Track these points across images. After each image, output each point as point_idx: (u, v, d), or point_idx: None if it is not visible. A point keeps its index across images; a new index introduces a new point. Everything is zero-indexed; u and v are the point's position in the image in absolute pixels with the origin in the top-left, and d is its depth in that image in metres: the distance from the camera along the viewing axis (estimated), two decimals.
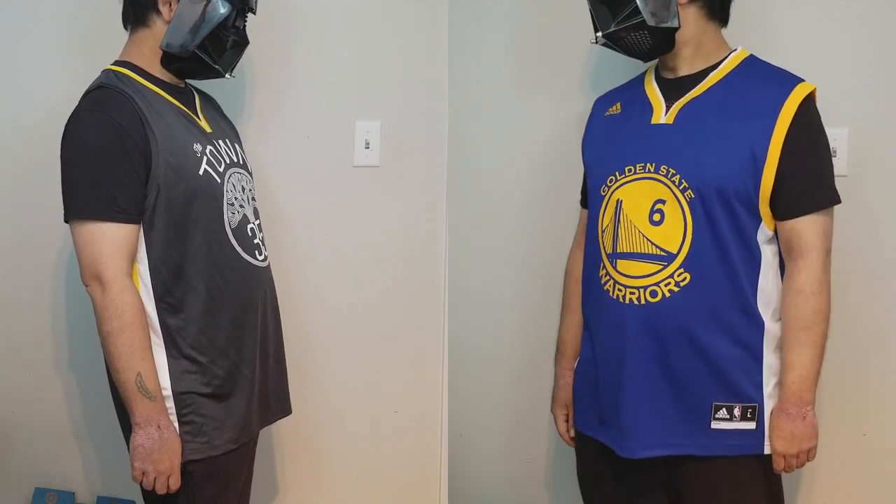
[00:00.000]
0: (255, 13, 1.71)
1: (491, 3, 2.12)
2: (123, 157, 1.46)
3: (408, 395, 2.09)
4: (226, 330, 1.57)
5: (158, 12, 1.58)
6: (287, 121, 2.04)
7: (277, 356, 1.73)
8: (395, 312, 2.07)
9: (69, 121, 1.50)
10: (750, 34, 1.74)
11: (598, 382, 1.64)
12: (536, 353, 2.08)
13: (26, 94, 2.08)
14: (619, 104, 1.71)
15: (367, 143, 2.04)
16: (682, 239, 1.51)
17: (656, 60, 1.67)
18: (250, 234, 1.65)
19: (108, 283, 1.43)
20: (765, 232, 1.51)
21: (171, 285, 1.52)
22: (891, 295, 1.84)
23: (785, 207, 1.49)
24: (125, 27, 1.64)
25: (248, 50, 1.74)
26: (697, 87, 1.58)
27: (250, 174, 1.76)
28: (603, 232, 1.62)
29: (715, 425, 1.51)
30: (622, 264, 1.57)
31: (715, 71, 1.58)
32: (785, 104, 1.47)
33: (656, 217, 1.53)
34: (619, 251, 1.57)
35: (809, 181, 1.49)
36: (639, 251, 1.54)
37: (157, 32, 1.59)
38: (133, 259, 1.49)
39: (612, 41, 1.62)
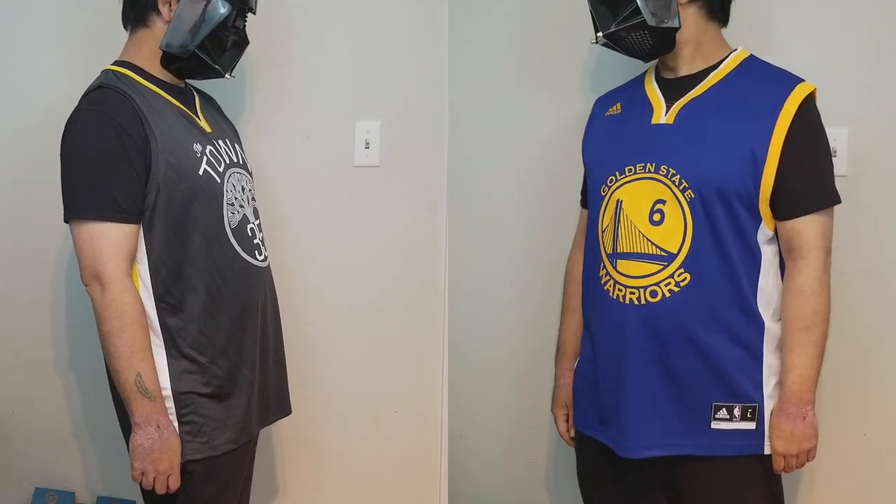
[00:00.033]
0: (255, 13, 1.71)
1: (491, 3, 2.12)
2: (123, 157, 1.46)
3: (408, 395, 2.09)
4: (225, 330, 1.57)
5: (158, 12, 1.58)
6: (287, 121, 2.04)
7: (277, 356, 1.73)
8: (395, 312, 2.07)
9: (69, 121, 1.50)
10: (750, 34, 1.74)
11: (599, 382, 1.64)
12: (536, 353, 2.08)
13: (26, 94, 2.08)
14: (619, 104, 1.71)
15: (367, 143, 2.04)
16: (682, 239, 1.51)
17: (656, 60, 1.67)
18: (250, 234, 1.65)
19: (108, 283, 1.43)
20: (765, 232, 1.51)
21: (170, 285, 1.52)
22: (891, 295, 1.84)
23: (785, 207, 1.49)
24: (125, 27, 1.64)
25: (248, 50, 1.74)
26: (698, 87, 1.58)
27: (250, 174, 1.76)
28: (603, 232, 1.62)
29: (715, 425, 1.51)
30: (622, 264, 1.57)
31: (715, 71, 1.58)
32: (785, 104, 1.47)
33: (656, 217, 1.53)
34: (619, 251, 1.57)
35: (809, 181, 1.49)
36: (639, 251, 1.54)
37: (157, 32, 1.59)
38: (133, 259, 1.49)
39: (613, 41, 1.62)
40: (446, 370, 2.08)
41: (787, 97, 1.48)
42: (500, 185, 2.14)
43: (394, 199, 2.05)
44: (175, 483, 1.49)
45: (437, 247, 2.06)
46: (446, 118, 2.04)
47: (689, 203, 1.50)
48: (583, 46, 1.92)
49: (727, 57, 1.59)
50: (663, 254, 1.52)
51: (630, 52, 1.63)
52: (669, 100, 1.60)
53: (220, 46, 1.64)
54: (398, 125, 2.04)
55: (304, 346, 2.03)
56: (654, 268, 1.53)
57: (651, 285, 1.52)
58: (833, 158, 1.57)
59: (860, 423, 1.87)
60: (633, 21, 1.54)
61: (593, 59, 2.03)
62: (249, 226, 1.66)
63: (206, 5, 1.58)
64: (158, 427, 1.46)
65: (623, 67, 1.86)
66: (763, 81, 1.54)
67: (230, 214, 1.61)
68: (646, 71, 1.73)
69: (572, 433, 1.80)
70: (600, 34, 1.61)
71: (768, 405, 1.51)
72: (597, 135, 1.75)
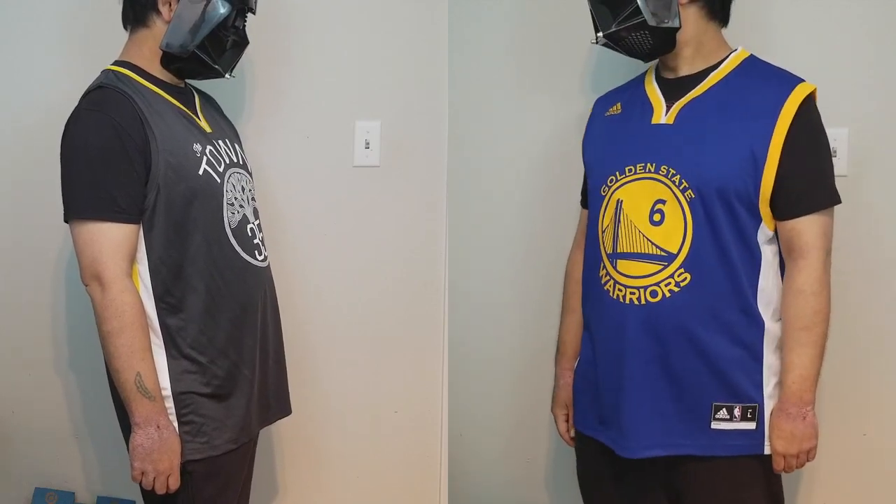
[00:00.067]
0: (254, 13, 1.71)
1: (491, 3, 2.12)
2: (123, 157, 1.46)
3: (408, 395, 2.09)
4: (225, 330, 1.57)
5: (158, 12, 1.58)
6: (287, 121, 2.04)
7: (277, 356, 1.73)
8: (395, 312, 2.07)
9: (69, 121, 1.50)
10: (750, 34, 1.74)
11: (599, 382, 1.64)
12: (536, 354, 2.08)
13: (26, 94, 2.08)
14: (619, 104, 1.71)
15: (367, 143, 2.04)
16: (682, 239, 1.51)
17: (656, 60, 1.67)
18: (250, 234, 1.65)
19: (108, 283, 1.43)
20: (765, 232, 1.51)
21: (170, 285, 1.52)
22: (891, 295, 1.84)
23: (785, 207, 1.49)
24: (125, 27, 1.63)
25: (248, 50, 1.74)
26: (698, 87, 1.58)
27: (250, 174, 1.76)
28: (603, 232, 1.62)
29: (715, 425, 1.51)
30: (622, 264, 1.57)
31: (715, 71, 1.58)
32: (785, 104, 1.47)
33: (656, 217, 1.53)
34: (619, 251, 1.57)
35: (810, 181, 1.49)
36: (639, 251, 1.54)
37: (157, 32, 1.59)
38: (133, 259, 1.49)
39: (613, 41, 1.62)
40: (446, 370, 2.08)
41: (787, 97, 1.48)
42: (500, 185, 2.14)
43: (394, 199, 2.05)
44: (175, 483, 1.49)
45: (437, 247, 2.06)
46: (446, 118, 2.04)
47: (690, 203, 1.50)
48: (583, 46, 1.92)
49: (727, 57, 1.59)
50: (663, 254, 1.52)
51: (630, 52, 1.63)
52: (670, 100, 1.60)
53: (220, 46, 1.64)
54: (398, 125, 2.04)
55: (304, 346, 2.03)
56: (654, 268, 1.53)
57: (651, 285, 1.52)
58: (833, 158, 1.57)
59: (860, 423, 1.87)
60: (634, 21, 1.54)
61: (593, 59, 2.03)
62: (249, 226, 1.66)
63: (206, 5, 1.58)
64: (158, 427, 1.46)
65: (623, 67, 1.86)
66: (763, 81, 1.54)
67: (230, 214, 1.61)
68: (646, 71, 1.73)
69: (572, 433, 1.80)
70: (600, 34, 1.61)
71: (768, 405, 1.52)
72: (597, 135, 1.75)
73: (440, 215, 2.05)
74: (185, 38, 1.58)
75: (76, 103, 1.52)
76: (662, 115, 1.59)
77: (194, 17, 1.58)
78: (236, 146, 1.74)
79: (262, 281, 1.67)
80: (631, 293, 1.54)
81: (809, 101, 1.50)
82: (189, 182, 1.53)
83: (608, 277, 1.59)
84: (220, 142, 1.67)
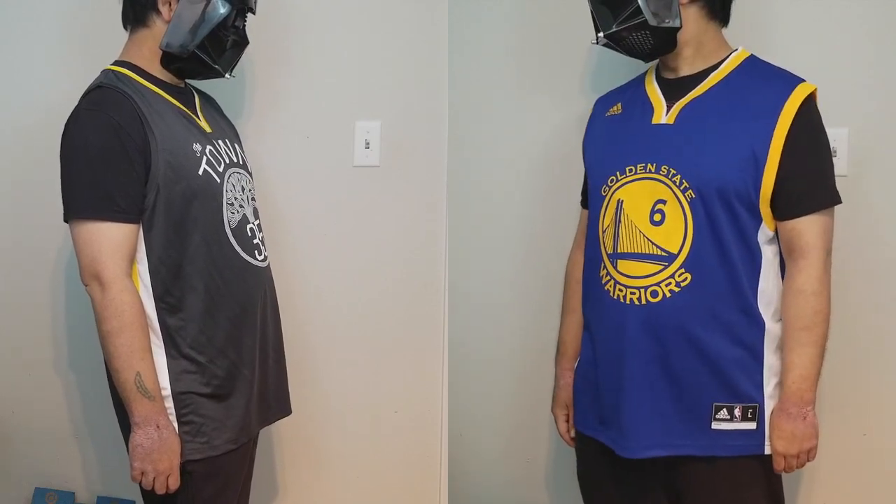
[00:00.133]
0: (254, 13, 1.71)
1: (491, 3, 2.12)
2: (123, 156, 1.46)
3: (408, 395, 2.08)
4: (225, 329, 1.57)
5: (158, 12, 1.58)
6: (287, 121, 2.04)
7: (277, 356, 1.73)
8: (395, 312, 2.07)
9: (69, 120, 1.50)
10: (750, 34, 1.74)
11: (599, 383, 1.64)
12: (536, 354, 2.08)
13: (26, 94, 2.08)
14: (619, 104, 1.71)
15: (367, 144, 2.04)
16: (682, 239, 1.51)
17: (657, 61, 1.67)
18: (250, 234, 1.65)
19: (108, 282, 1.43)
20: (765, 232, 1.51)
21: (170, 285, 1.52)
22: (891, 295, 1.84)
23: (786, 207, 1.49)
24: (125, 27, 1.64)
25: (248, 50, 1.74)
26: (698, 87, 1.58)
27: (250, 174, 1.76)
28: (604, 232, 1.62)
29: (715, 426, 1.51)
30: (623, 264, 1.57)
31: (716, 71, 1.58)
32: (786, 104, 1.47)
33: (657, 217, 1.53)
34: (619, 251, 1.57)
35: (810, 181, 1.49)
36: (639, 251, 1.54)
37: (157, 32, 1.59)
38: (132, 259, 1.49)
39: (614, 41, 1.61)
40: (446, 370, 2.08)
41: (787, 97, 1.48)
42: (500, 186, 2.14)
43: (394, 199, 2.05)
44: (175, 483, 1.49)
45: (437, 247, 2.06)
46: (446, 118, 2.04)
47: (690, 203, 1.50)
48: (583, 47, 1.92)
49: (728, 57, 1.59)
50: (664, 254, 1.52)
51: (631, 52, 1.63)
52: (670, 100, 1.60)
53: (219, 46, 1.64)
54: (398, 125, 2.04)
55: (304, 346, 2.03)
56: (654, 268, 1.53)
57: (652, 285, 1.52)
58: (833, 158, 1.57)
59: (860, 423, 1.87)
60: (635, 21, 1.54)
61: (593, 59, 2.03)
62: (249, 226, 1.66)
63: (206, 5, 1.58)
64: (158, 427, 1.46)
65: (623, 68, 1.86)
66: (764, 81, 1.54)
67: (230, 214, 1.61)
68: (646, 71, 1.73)
69: (572, 433, 1.80)
70: (601, 34, 1.61)
71: (769, 405, 1.51)
72: (597, 135, 1.75)
73: (440, 215, 2.05)
74: (185, 38, 1.58)
75: (76, 103, 1.52)
76: (663, 115, 1.59)
77: (194, 17, 1.58)
78: (236, 146, 1.74)
79: (261, 281, 1.67)
80: (631, 293, 1.54)
81: (810, 101, 1.50)
82: (189, 182, 1.53)
83: (609, 277, 1.59)
84: (219, 142, 1.67)
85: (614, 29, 1.58)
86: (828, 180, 1.51)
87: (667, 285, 1.51)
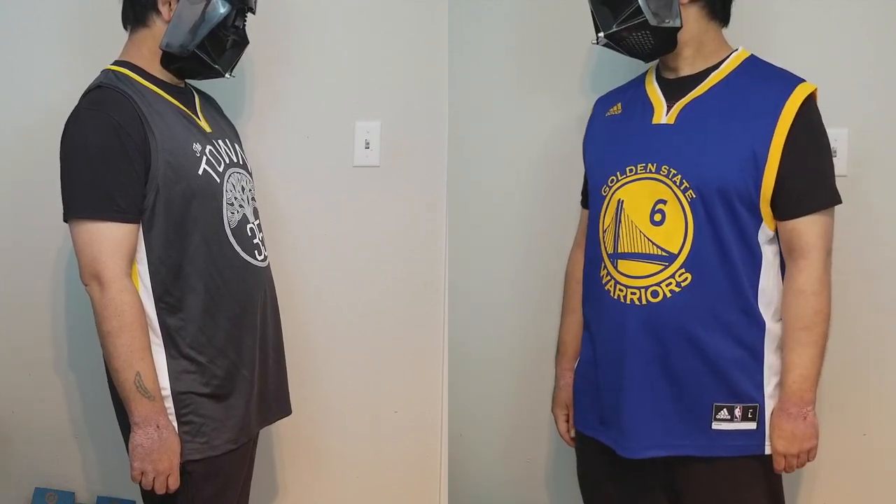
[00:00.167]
0: (254, 13, 1.72)
1: (491, 3, 2.12)
2: (123, 156, 1.46)
3: (408, 395, 2.08)
4: (225, 329, 1.57)
5: (158, 12, 1.58)
6: (287, 121, 2.04)
7: (277, 356, 1.73)
8: (395, 312, 2.07)
9: (69, 120, 1.50)
10: (750, 34, 1.74)
11: (599, 383, 1.64)
12: (536, 354, 2.08)
13: (26, 94, 2.08)
14: (619, 104, 1.71)
15: (367, 143, 2.03)
16: (683, 239, 1.51)
17: (657, 61, 1.67)
18: (250, 234, 1.65)
19: (108, 282, 1.43)
20: (766, 232, 1.51)
21: (170, 285, 1.52)
22: (891, 295, 1.84)
23: (786, 207, 1.49)
24: (125, 27, 1.64)
25: (248, 50, 1.75)
26: (699, 87, 1.58)
27: (250, 174, 1.76)
28: (604, 232, 1.62)
29: (716, 426, 1.51)
30: (623, 264, 1.57)
31: (716, 71, 1.58)
32: (786, 104, 1.47)
33: (657, 217, 1.53)
34: (620, 251, 1.57)
35: (810, 181, 1.49)
36: (640, 251, 1.54)
37: (157, 32, 1.59)
38: (132, 259, 1.49)
39: (614, 41, 1.61)
40: (446, 370, 2.08)
41: (788, 97, 1.48)
42: (500, 185, 2.14)
43: (394, 199, 2.05)
44: (174, 483, 1.49)
45: (437, 247, 2.06)
46: (446, 118, 2.04)
47: (690, 203, 1.50)
48: (583, 47, 1.92)
49: (728, 57, 1.59)
50: (664, 254, 1.52)
51: (631, 52, 1.63)
52: (670, 100, 1.60)
53: (219, 46, 1.64)
54: (398, 125, 2.04)
55: (304, 346, 2.03)
56: (655, 268, 1.52)
57: (652, 285, 1.52)
58: (833, 158, 1.57)
59: (860, 423, 1.87)
60: (635, 21, 1.54)
61: (593, 59, 2.03)
62: (249, 226, 1.66)
63: (206, 5, 1.58)
64: (158, 427, 1.46)
65: (623, 68, 1.86)
66: (764, 81, 1.54)
67: (230, 214, 1.61)
68: (646, 71, 1.73)
69: (572, 433, 1.80)
70: (601, 34, 1.61)
71: (769, 405, 1.51)
72: (597, 135, 1.75)
73: (440, 215, 2.05)
74: (185, 38, 1.58)
75: (76, 103, 1.52)
76: (663, 115, 1.59)
77: (194, 17, 1.58)
78: (236, 146, 1.74)
79: (261, 281, 1.67)
80: (632, 293, 1.54)
81: (810, 101, 1.50)
82: (188, 182, 1.53)
83: (609, 278, 1.59)
84: (219, 142, 1.67)
85: (615, 29, 1.58)
86: (828, 180, 1.51)
87: (667, 285, 1.51)
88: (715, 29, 1.59)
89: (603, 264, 1.62)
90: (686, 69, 1.60)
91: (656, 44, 1.57)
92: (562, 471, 2.14)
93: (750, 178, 1.47)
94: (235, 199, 1.63)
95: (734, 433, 1.51)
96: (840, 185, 1.52)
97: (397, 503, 2.10)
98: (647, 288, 1.53)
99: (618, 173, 1.61)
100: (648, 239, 1.54)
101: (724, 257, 1.49)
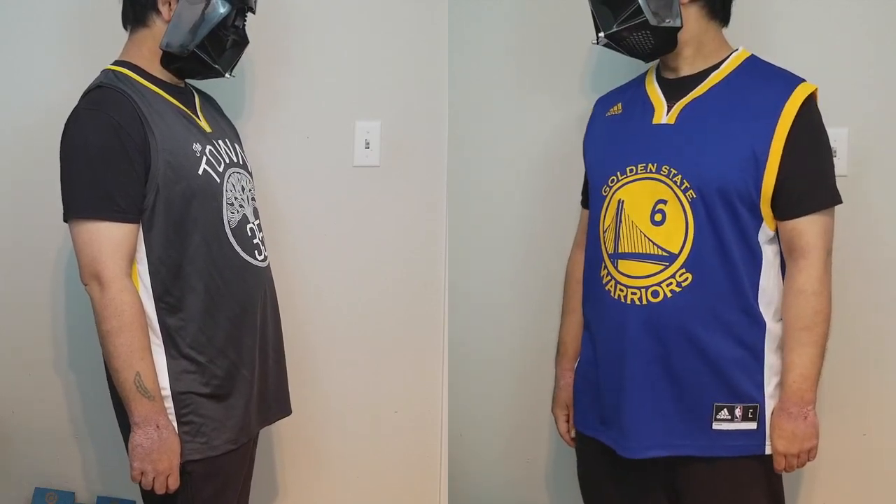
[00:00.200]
0: (254, 13, 1.71)
1: (491, 3, 2.12)
2: (123, 156, 1.46)
3: (408, 395, 2.08)
4: (225, 329, 1.57)
5: (158, 12, 1.58)
6: (287, 121, 2.04)
7: (277, 356, 1.73)
8: (395, 312, 2.07)
9: (69, 120, 1.50)
10: (750, 34, 1.74)
11: (599, 383, 1.64)
12: (537, 354, 2.08)
13: (26, 94, 2.08)
14: (620, 104, 1.71)
15: (367, 143, 2.03)
16: (683, 239, 1.51)
17: (657, 60, 1.67)
18: (250, 234, 1.65)
19: (107, 282, 1.43)
20: (766, 232, 1.51)
21: (170, 285, 1.52)
22: (890, 295, 1.84)
23: (786, 207, 1.49)
24: (125, 27, 1.64)
25: (248, 50, 1.74)
26: (699, 87, 1.58)
27: (250, 174, 1.76)
28: (604, 232, 1.62)
29: (716, 426, 1.51)
30: (624, 264, 1.57)
31: (716, 71, 1.58)
32: (786, 104, 1.47)
33: (658, 217, 1.53)
34: (620, 251, 1.57)
35: (811, 181, 1.49)
36: (640, 251, 1.54)
37: (157, 32, 1.59)
38: (132, 258, 1.49)
39: (615, 41, 1.61)
40: (446, 370, 2.08)
41: (788, 97, 1.48)
42: (500, 185, 2.14)
43: (394, 199, 2.05)
44: (174, 483, 1.48)
45: (437, 247, 2.06)
46: (446, 118, 2.04)
47: (691, 203, 1.50)
48: (583, 46, 1.92)
49: (728, 57, 1.59)
50: (665, 254, 1.52)
51: (632, 52, 1.63)
52: (671, 100, 1.60)
53: (219, 46, 1.64)
54: (398, 125, 2.04)
55: (304, 346, 2.03)
56: (655, 268, 1.52)
57: (653, 285, 1.52)
58: (833, 158, 1.57)
59: (860, 422, 1.87)
60: (635, 21, 1.54)
61: (593, 59, 2.03)
62: (249, 226, 1.66)
63: (206, 5, 1.58)
64: (157, 427, 1.45)
65: (623, 68, 1.86)
66: (764, 81, 1.54)
67: (230, 214, 1.61)
68: (646, 71, 1.73)
69: (573, 434, 1.80)
70: (602, 34, 1.61)
71: (769, 405, 1.51)
72: (598, 135, 1.75)
73: (440, 215, 2.05)
74: (185, 38, 1.58)
75: (76, 103, 1.51)
76: (663, 115, 1.59)
77: (194, 17, 1.58)
78: (236, 146, 1.74)
79: (261, 281, 1.67)
80: (632, 293, 1.54)
81: (810, 101, 1.50)
82: (188, 182, 1.53)
83: (609, 278, 1.59)
84: (219, 142, 1.67)
85: (615, 29, 1.58)
86: (828, 180, 1.51)
87: (668, 285, 1.51)
88: (715, 29, 1.59)
89: (603, 264, 1.62)
90: (686, 69, 1.60)
91: (656, 44, 1.57)
92: (562, 471, 2.14)
93: (750, 178, 1.47)
94: (235, 199, 1.63)
95: (735, 433, 1.51)
96: (840, 184, 1.52)
97: (397, 503, 2.10)
98: (647, 288, 1.53)
99: (618, 173, 1.61)
100: (649, 239, 1.54)
101: (725, 257, 1.49)
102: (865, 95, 1.82)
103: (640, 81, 1.72)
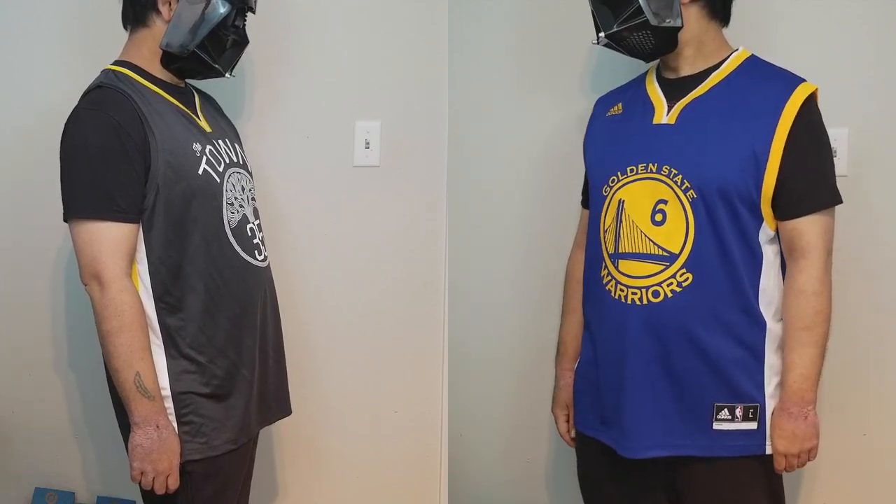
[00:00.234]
0: (254, 12, 1.71)
1: (491, 3, 2.12)
2: (123, 156, 1.45)
3: (408, 395, 2.08)
4: (225, 329, 1.57)
5: (158, 12, 1.58)
6: (287, 121, 2.04)
7: (277, 356, 1.73)
8: (395, 312, 2.07)
9: (69, 120, 1.50)
10: (750, 34, 1.74)
11: (600, 383, 1.64)
12: (537, 353, 2.08)
13: (26, 94, 2.08)
14: (620, 104, 1.71)
15: (367, 143, 2.04)
16: (684, 239, 1.51)
17: (657, 60, 1.67)
18: (250, 234, 1.65)
19: (107, 282, 1.43)
20: (766, 232, 1.51)
21: (170, 285, 1.52)
22: (891, 295, 1.84)
23: (787, 207, 1.49)
24: (125, 27, 1.63)
25: (248, 50, 1.74)
26: (699, 87, 1.58)
27: (250, 174, 1.75)
28: (605, 232, 1.62)
29: (717, 426, 1.51)
30: (624, 264, 1.57)
31: (717, 71, 1.58)
32: (787, 104, 1.47)
33: (658, 217, 1.53)
34: (621, 251, 1.57)
35: (811, 181, 1.49)
36: (641, 251, 1.54)
37: (157, 32, 1.59)
38: (132, 258, 1.49)
39: (615, 41, 1.61)
40: (446, 370, 2.08)
41: (788, 97, 1.48)
42: (500, 185, 2.14)
43: (394, 199, 2.05)
44: (174, 483, 1.48)
45: (437, 247, 2.06)
46: (446, 118, 2.04)
47: (691, 203, 1.50)
48: (583, 46, 1.92)
49: (728, 57, 1.59)
50: (665, 254, 1.52)
51: (632, 52, 1.63)
52: (671, 100, 1.60)
53: (219, 46, 1.64)
54: (398, 125, 2.04)
55: (304, 346, 2.03)
56: (656, 268, 1.52)
57: (653, 285, 1.52)
58: (833, 158, 1.57)
59: (860, 422, 1.87)
60: (636, 21, 1.54)
61: (593, 59, 2.03)
62: (249, 226, 1.65)
63: (206, 5, 1.58)
64: (157, 427, 1.45)
65: (623, 68, 1.86)
66: (765, 81, 1.54)
67: (230, 214, 1.61)
68: (646, 71, 1.73)
69: (573, 434, 1.80)
70: (602, 34, 1.61)
71: (769, 405, 1.51)
72: (598, 135, 1.75)
73: (440, 215, 2.05)
74: (185, 38, 1.58)
75: (76, 103, 1.51)
76: (664, 115, 1.59)
77: (194, 17, 1.58)
78: (236, 146, 1.74)
79: (261, 281, 1.67)
80: (633, 293, 1.54)
81: (811, 101, 1.50)
82: (188, 181, 1.53)
83: (610, 278, 1.59)
84: (219, 141, 1.67)
85: (615, 29, 1.58)
86: (828, 180, 1.51)
87: (668, 285, 1.51)
88: (715, 29, 1.59)
89: (604, 264, 1.62)
90: (686, 69, 1.60)
91: (657, 44, 1.57)
92: (562, 471, 2.14)
93: (751, 178, 1.47)
94: (235, 198, 1.63)
95: (735, 433, 1.51)
96: (840, 185, 1.52)
97: (397, 503, 2.10)
98: (648, 288, 1.53)
99: (619, 173, 1.61)
100: (649, 239, 1.54)
101: (725, 257, 1.49)
102: (865, 95, 1.82)
103: (640, 81, 1.72)
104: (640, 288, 1.53)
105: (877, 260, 1.84)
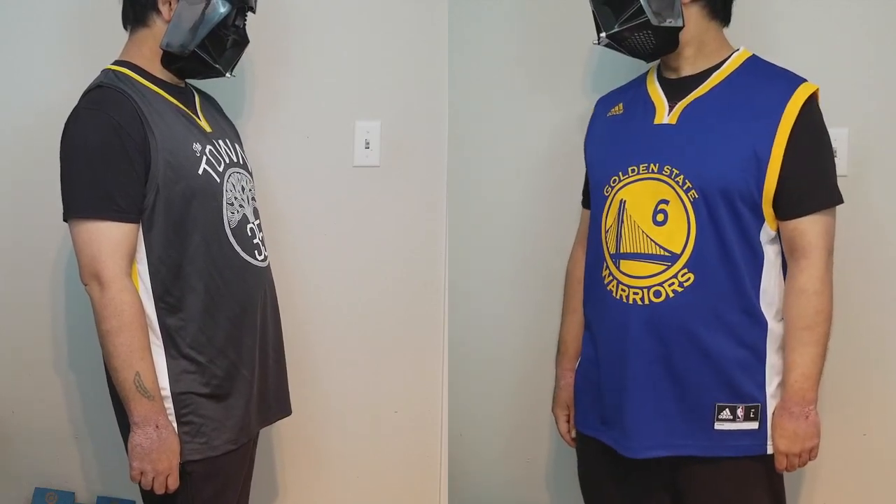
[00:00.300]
0: (254, 12, 1.71)
1: (491, 3, 2.12)
2: (123, 156, 1.45)
3: (408, 395, 2.08)
4: (225, 329, 1.57)
5: (158, 12, 1.58)
6: (287, 121, 2.04)
7: (277, 356, 1.73)
8: (395, 312, 2.07)
9: (69, 120, 1.50)
10: (750, 34, 1.74)
11: (601, 383, 1.64)
12: (537, 353, 2.08)
13: (26, 94, 2.08)
14: (621, 104, 1.71)
15: (367, 143, 2.03)
16: (685, 239, 1.51)
17: (658, 60, 1.67)
18: (250, 234, 1.65)
19: (107, 282, 1.43)
20: (767, 232, 1.51)
21: (170, 285, 1.52)
22: (892, 295, 1.84)
23: (788, 207, 1.49)
24: (125, 27, 1.63)
25: (248, 50, 1.74)
26: (700, 87, 1.58)
27: (250, 174, 1.75)
28: (606, 232, 1.62)
29: (718, 426, 1.51)
30: (625, 264, 1.57)
31: (717, 71, 1.58)
32: (788, 104, 1.47)
33: (660, 217, 1.53)
34: (622, 251, 1.57)
35: (812, 181, 1.49)
36: (642, 251, 1.54)
37: (157, 32, 1.59)
38: (132, 258, 1.49)
39: (616, 41, 1.61)
40: (446, 370, 2.08)
41: (790, 97, 1.48)
42: (500, 185, 2.14)
43: (394, 199, 2.05)
44: (174, 483, 1.48)
45: (437, 247, 2.06)
46: (446, 118, 2.04)
47: (693, 203, 1.50)
48: (583, 46, 1.92)
49: (729, 57, 1.59)
50: (667, 254, 1.52)
51: (633, 52, 1.63)
52: (672, 100, 1.60)
53: (220, 46, 1.64)
54: (398, 125, 2.04)
55: (304, 346, 2.03)
56: (657, 268, 1.52)
57: (655, 285, 1.52)
58: (834, 158, 1.57)
59: (861, 422, 1.87)
60: (637, 21, 1.54)
61: (594, 59, 2.03)
62: (249, 226, 1.65)
63: (206, 5, 1.58)
64: (157, 427, 1.45)
65: (624, 68, 1.86)
66: (766, 81, 1.54)
67: (230, 214, 1.60)
68: (647, 71, 1.73)
69: (573, 434, 1.80)
70: (603, 34, 1.61)
71: (771, 405, 1.51)
72: (599, 135, 1.75)
73: (440, 215, 2.05)
74: (185, 38, 1.58)
75: (76, 103, 1.51)
76: (665, 115, 1.59)
77: (194, 17, 1.58)
78: (236, 146, 1.74)
79: (261, 281, 1.67)
80: (634, 293, 1.54)
81: (812, 101, 1.50)
82: (188, 181, 1.53)
83: (611, 278, 1.59)
84: (219, 141, 1.67)
85: (616, 29, 1.58)
86: (829, 180, 1.51)
87: (670, 285, 1.51)
88: (716, 28, 1.59)
89: (605, 264, 1.62)
90: (687, 69, 1.60)
91: (658, 44, 1.57)
92: (562, 471, 2.14)
93: (752, 178, 1.47)
94: (235, 198, 1.63)
95: (736, 433, 1.51)
96: (840, 185, 1.52)
97: (397, 503, 2.10)
98: (649, 288, 1.53)
99: (620, 173, 1.60)
100: (651, 239, 1.54)
101: (727, 257, 1.49)
102: (865, 95, 1.82)
103: (641, 81, 1.72)
104: (641, 288, 1.53)
105: (877, 260, 1.84)
